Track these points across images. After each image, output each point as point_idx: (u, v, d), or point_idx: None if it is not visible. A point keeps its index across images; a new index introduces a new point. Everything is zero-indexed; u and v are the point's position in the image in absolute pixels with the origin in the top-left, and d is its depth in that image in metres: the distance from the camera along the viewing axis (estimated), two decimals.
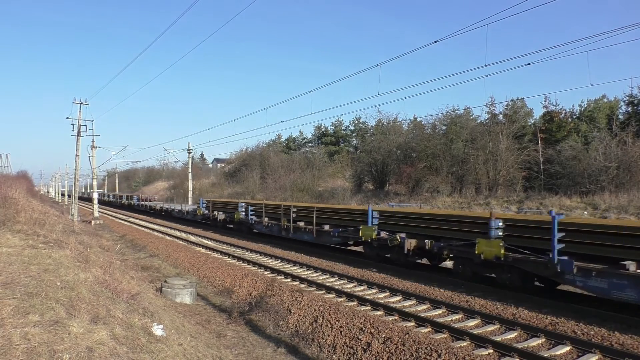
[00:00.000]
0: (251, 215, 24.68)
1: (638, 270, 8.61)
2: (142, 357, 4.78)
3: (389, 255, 15.36)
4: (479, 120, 36.02)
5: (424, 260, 15.41)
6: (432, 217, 14.12)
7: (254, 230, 25.08)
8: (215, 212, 28.94)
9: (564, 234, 9.97)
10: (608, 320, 8.84)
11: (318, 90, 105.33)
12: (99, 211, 39.25)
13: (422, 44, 69.41)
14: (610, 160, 24.69)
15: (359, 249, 17.84)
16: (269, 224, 22.66)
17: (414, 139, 37.98)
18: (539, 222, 10.81)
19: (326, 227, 18.31)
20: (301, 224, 20.17)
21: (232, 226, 27.80)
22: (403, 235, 14.18)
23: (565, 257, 9.78)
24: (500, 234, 11.40)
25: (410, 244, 13.68)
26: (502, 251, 10.93)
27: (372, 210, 15.72)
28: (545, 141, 31.89)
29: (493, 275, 12.00)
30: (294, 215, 20.59)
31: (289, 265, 16.07)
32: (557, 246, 9.85)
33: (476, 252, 11.49)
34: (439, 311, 10.03)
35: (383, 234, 15.07)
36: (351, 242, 17.92)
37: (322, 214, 19.03)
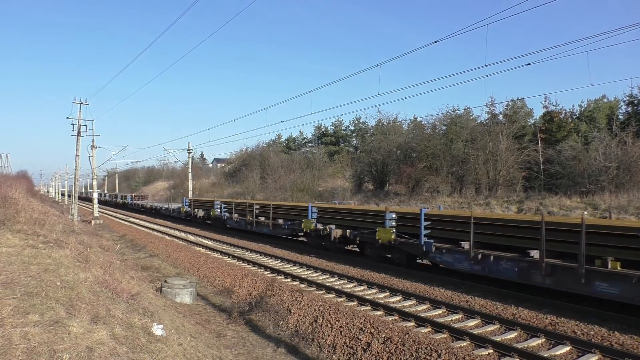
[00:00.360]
0: (224, 212, 28.00)
1: (472, 247, 11.86)
2: (142, 357, 4.78)
3: (324, 243, 18.33)
4: (479, 121, 36.03)
5: (354, 249, 18.66)
6: (350, 211, 18.07)
7: (227, 225, 27.99)
8: (195, 210, 32.16)
9: (429, 222, 13.50)
10: (608, 320, 8.84)
11: (318, 90, 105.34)
12: (98, 211, 39.25)
13: (422, 44, 69.43)
14: (610, 160, 24.68)
15: (305, 239, 20.75)
16: (238, 219, 25.99)
17: (414, 139, 37.96)
18: (414, 214, 14.23)
19: (280, 221, 21.40)
20: (262, 218, 23.25)
21: (209, 222, 30.85)
22: (332, 226, 17.50)
23: (430, 240, 13.24)
24: (393, 223, 14.84)
25: (337, 233, 17.06)
26: (393, 237, 14.40)
27: (312, 207, 19.28)
28: (545, 141, 31.89)
29: (389, 255, 15.39)
30: (257, 211, 23.92)
31: (289, 265, 16.07)
32: (424, 232, 13.43)
33: (377, 237, 14.87)
34: (439, 311, 10.03)
35: (319, 226, 18.17)
36: (300, 233, 20.72)
37: (276, 210, 22.27)
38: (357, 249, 18.20)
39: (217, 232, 27.58)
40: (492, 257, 11.40)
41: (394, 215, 14.92)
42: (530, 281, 10.72)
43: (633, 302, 8.84)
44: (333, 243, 17.54)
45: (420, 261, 15.25)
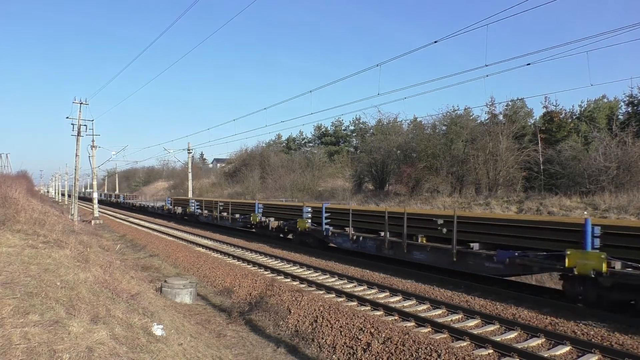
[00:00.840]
0: (197, 209, 32.98)
1: (352, 231, 16.18)
2: (142, 357, 4.78)
3: (267, 233, 22.69)
4: (479, 121, 36.00)
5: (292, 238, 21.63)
6: (282, 206, 22.76)
7: (200, 220, 32.53)
8: (175, 207, 37.48)
9: (329, 214, 17.90)
10: (608, 320, 8.84)
11: (318, 90, 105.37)
12: (98, 211, 39.25)
13: (422, 44, 69.43)
14: (610, 160, 24.67)
15: (254, 230, 24.97)
16: (207, 215, 30.77)
17: (414, 139, 37.93)
18: (319, 208, 18.48)
19: (237, 215, 26.07)
20: (224, 214, 27.76)
21: (186, 217, 35.46)
22: (272, 218, 21.99)
23: (329, 227, 17.58)
24: (309, 215, 18.97)
25: (274, 224, 21.67)
26: (308, 225, 18.62)
27: (258, 203, 24.08)
28: (545, 141, 31.87)
29: (307, 240, 19.60)
30: (220, 208, 28.39)
31: (289, 265, 16.07)
32: (325, 221, 17.89)
33: (297, 226, 19.23)
34: (439, 311, 10.03)
35: (263, 219, 22.47)
36: (250, 225, 24.87)
37: (234, 206, 27.03)
38: (289, 237, 22.33)
39: (193, 226, 31.86)
40: (361, 238, 16.10)
41: (309, 209, 19.21)
42: (381, 253, 15.20)
43: (431, 264, 13.52)
44: (272, 232, 22.11)
45: (331, 245, 18.86)
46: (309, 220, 18.81)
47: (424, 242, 13.48)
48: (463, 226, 12.32)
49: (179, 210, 36.47)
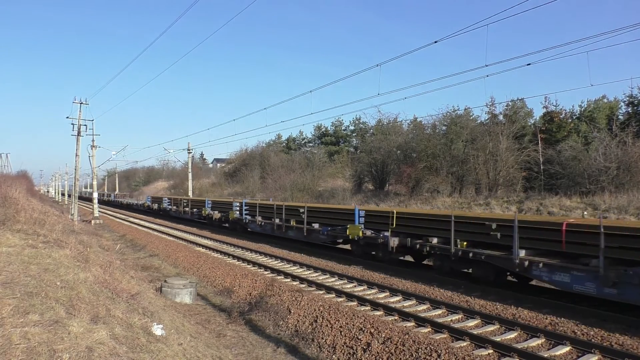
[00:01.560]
0: (168, 205, 40.17)
1: (317, 227, 18.86)
2: (142, 357, 4.78)
3: (212, 222, 29.19)
4: (479, 121, 35.96)
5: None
6: (221, 202, 30.52)
7: (171, 214, 38.86)
8: (154, 204, 44.32)
9: (248, 207, 24.87)
10: (608, 320, 8.84)
11: (318, 90, 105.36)
12: (98, 211, 39.24)
13: (422, 44, 69.39)
14: (610, 160, 24.65)
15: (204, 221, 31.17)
16: (176, 210, 37.64)
17: (414, 139, 37.90)
18: (269, 205, 23.74)
19: (195, 210, 33.35)
20: (187, 209, 34.88)
21: (161, 212, 41.74)
22: (216, 211, 29.07)
23: (247, 216, 24.91)
24: (238, 209, 25.91)
25: (217, 215, 28.74)
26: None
27: (235, 202, 27.91)
28: (545, 141, 31.85)
29: (236, 227, 26.32)
30: (184, 203, 35.94)
31: (288, 265, 16.07)
32: (245, 212, 25.38)
33: (229, 217, 26.35)
34: (438, 311, 10.03)
35: (239, 215, 26.48)
36: (200, 218, 31.49)
37: (193, 202, 34.61)
38: (225, 225, 28.84)
39: (169, 220, 38.24)
40: (284, 228, 21.35)
41: (237, 204, 26.76)
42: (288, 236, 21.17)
43: (301, 239, 19.81)
44: (215, 221, 29.06)
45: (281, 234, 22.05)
46: (237, 212, 26.30)
47: (294, 224, 20.45)
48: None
49: (155, 206, 43.97)
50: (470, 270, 12.84)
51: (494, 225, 11.32)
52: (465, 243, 12.10)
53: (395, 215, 14.39)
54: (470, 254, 11.76)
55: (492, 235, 11.33)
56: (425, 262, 15.97)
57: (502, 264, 11.08)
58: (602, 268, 8.91)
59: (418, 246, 13.51)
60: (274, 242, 22.08)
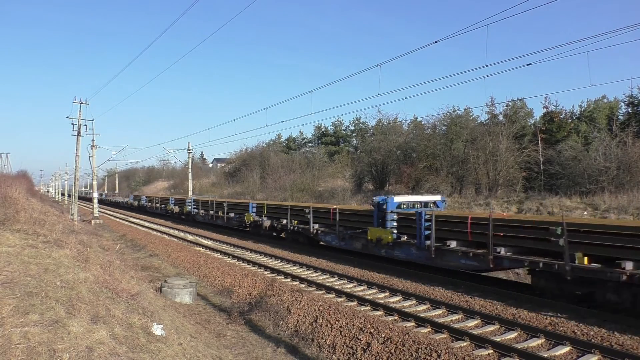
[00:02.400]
0: (145, 202, 47.60)
1: (227, 215, 26.42)
2: (142, 357, 4.78)
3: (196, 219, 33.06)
4: (479, 121, 35.96)
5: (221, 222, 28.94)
6: (204, 200, 32.87)
7: (146, 210, 46.32)
8: (135, 202, 52.24)
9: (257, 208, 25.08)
10: (608, 320, 8.84)
11: (318, 90, 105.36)
12: (99, 211, 39.24)
13: (422, 44, 69.40)
14: (610, 160, 24.66)
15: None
16: (150, 206, 45.02)
17: (414, 139, 37.91)
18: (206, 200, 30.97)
19: (162, 205, 41.05)
20: (158, 204, 42.61)
21: (139, 208, 49.46)
22: (201, 210, 31.94)
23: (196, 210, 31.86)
24: (255, 210, 24.90)
25: (175, 209, 35.79)
26: (253, 218, 24.03)
27: (191, 199, 34.48)
28: (545, 141, 31.84)
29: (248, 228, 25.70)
30: (157, 200, 43.94)
31: (288, 265, 16.07)
32: (192, 205, 33.53)
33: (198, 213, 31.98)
34: (438, 311, 10.03)
35: (176, 207, 35.40)
36: (166, 212, 39.16)
37: (162, 199, 43.31)
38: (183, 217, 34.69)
39: (146, 215, 45.81)
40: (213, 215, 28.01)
41: (194, 200, 33.01)
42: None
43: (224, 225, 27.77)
44: (193, 217, 33.42)
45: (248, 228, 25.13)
46: (190, 207, 33.60)
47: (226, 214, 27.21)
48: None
49: (135, 203, 51.66)
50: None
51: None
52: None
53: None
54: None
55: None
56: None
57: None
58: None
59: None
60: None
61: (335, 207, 18.31)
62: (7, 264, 6.93)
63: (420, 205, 16.33)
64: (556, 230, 9.60)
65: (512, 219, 11.93)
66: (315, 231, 18.45)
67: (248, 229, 24.97)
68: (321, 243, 19.46)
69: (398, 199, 15.65)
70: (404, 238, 14.31)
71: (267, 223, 22.19)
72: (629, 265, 8.67)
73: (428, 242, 12.95)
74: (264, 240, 22.88)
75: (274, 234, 23.27)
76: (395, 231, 14.52)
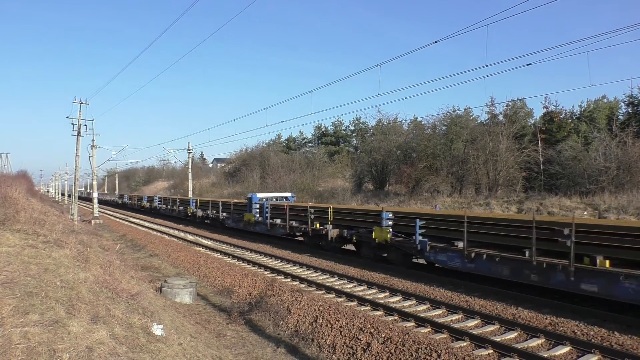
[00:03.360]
0: (128, 200, 55.31)
1: (281, 222, 21.36)
2: (142, 357, 4.78)
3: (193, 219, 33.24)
4: (479, 121, 36.02)
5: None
6: (184, 199, 36.26)
7: (127, 206, 54.57)
8: (121, 200, 59.83)
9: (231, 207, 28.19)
10: (608, 320, 8.84)
11: (318, 90, 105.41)
12: (99, 211, 39.25)
13: (422, 44, 69.42)
14: (610, 160, 24.68)
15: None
16: (134, 204, 51.18)
17: (414, 139, 37.95)
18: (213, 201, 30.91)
19: (149, 203, 45.10)
20: (147, 204, 46.07)
21: (124, 205, 56.39)
22: (198, 209, 32.00)
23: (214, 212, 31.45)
24: (198, 206, 31.29)
25: (188, 210, 33.11)
26: (197, 212, 30.95)
27: (156, 197, 41.98)
28: (545, 141, 31.87)
29: (207, 221, 30.32)
30: (145, 198, 47.71)
31: (288, 265, 16.07)
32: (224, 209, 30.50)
33: (188, 212, 33.18)
34: (438, 311, 10.03)
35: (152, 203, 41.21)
36: (141, 207, 46.01)
37: (138, 197, 51.82)
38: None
39: (134, 211, 51.52)
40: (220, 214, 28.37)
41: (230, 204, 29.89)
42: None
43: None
44: (182, 214, 34.88)
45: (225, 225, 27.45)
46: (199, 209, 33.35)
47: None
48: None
49: (119, 201, 60.21)
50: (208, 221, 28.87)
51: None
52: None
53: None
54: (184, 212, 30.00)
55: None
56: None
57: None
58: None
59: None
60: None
61: (232, 200, 30.28)
62: (7, 264, 6.93)
63: (275, 200, 24.42)
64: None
65: (317, 206, 19.48)
66: (223, 218, 27.78)
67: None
68: (227, 225, 27.49)
69: (259, 195, 24.88)
70: (260, 219, 22.96)
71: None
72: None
73: (269, 221, 21.83)
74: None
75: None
76: (257, 215, 23.21)
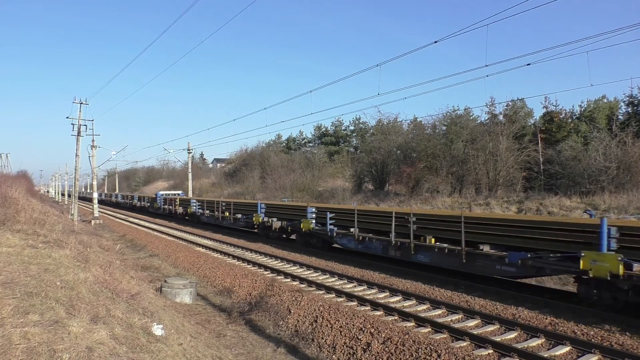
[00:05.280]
0: (121, 199, 60.20)
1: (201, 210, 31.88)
2: (142, 357, 4.78)
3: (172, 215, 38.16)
4: (479, 121, 35.95)
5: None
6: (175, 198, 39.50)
7: (118, 203, 61.27)
8: (113, 198, 65.26)
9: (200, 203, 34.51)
10: (608, 320, 8.84)
11: (318, 90, 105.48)
12: (99, 211, 39.25)
13: (422, 44, 69.41)
14: (610, 160, 24.65)
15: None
16: (122, 201, 57.48)
17: (414, 139, 37.90)
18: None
19: (139, 202, 51.02)
20: (135, 201, 51.34)
21: (111, 203, 64.90)
22: (180, 207, 35.92)
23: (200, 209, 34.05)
24: (195, 204, 33.94)
25: (177, 208, 36.31)
26: (189, 210, 33.89)
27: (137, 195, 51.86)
28: (545, 141, 31.85)
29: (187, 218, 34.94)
30: (135, 197, 52.07)
31: (288, 265, 16.07)
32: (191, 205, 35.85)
33: (183, 210, 36.18)
34: (438, 311, 10.03)
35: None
36: (135, 206, 50.79)
37: (123, 195, 62.15)
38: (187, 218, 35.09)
39: (126, 209, 55.00)
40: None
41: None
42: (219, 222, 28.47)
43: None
44: (168, 212, 38.95)
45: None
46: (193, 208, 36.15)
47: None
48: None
49: (111, 199, 66.99)
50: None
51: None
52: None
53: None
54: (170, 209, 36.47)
55: None
56: None
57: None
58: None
59: None
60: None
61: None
62: (7, 264, 6.93)
63: (174, 195, 37.03)
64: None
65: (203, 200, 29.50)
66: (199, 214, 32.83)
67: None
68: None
69: (162, 192, 39.96)
70: (164, 207, 36.90)
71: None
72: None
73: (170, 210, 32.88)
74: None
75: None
76: (161, 205, 37.09)
